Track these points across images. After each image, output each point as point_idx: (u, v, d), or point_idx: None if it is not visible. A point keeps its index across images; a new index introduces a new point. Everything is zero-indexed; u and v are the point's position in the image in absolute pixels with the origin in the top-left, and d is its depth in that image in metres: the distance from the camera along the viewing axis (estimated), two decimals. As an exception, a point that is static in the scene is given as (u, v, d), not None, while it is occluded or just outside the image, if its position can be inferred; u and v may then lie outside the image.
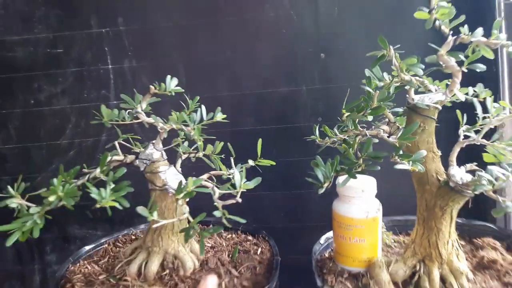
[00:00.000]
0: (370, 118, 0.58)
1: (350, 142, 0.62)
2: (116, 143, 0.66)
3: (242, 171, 0.61)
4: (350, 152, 0.59)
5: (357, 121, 0.61)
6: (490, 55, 0.55)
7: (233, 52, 0.98)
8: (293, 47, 0.97)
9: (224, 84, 0.99)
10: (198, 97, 0.70)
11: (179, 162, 0.72)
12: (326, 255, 0.76)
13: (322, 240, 0.79)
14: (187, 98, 0.70)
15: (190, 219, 0.60)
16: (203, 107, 0.65)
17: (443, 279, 0.63)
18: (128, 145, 0.70)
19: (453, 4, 0.53)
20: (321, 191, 0.55)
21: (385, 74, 0.63)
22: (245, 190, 0.60)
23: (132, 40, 0.98)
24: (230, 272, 0.70)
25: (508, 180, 0.52)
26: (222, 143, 0.72)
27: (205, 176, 0.66)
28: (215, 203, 0.59)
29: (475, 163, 0.62)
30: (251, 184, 0.59)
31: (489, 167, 0.55)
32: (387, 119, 0.64)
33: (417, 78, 0.61)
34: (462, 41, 0.55)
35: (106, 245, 0.83)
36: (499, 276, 0.66)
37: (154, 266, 0.69)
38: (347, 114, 0.59)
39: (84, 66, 0.99)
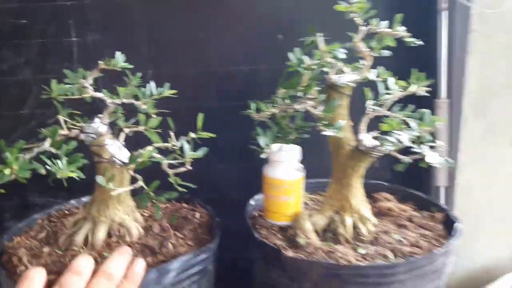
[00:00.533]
0: (300, 94, 0.69)
1: (281, 116, 0.72)
2: (60, 117, 0.68)
3: (188, 141, 0.68)
4: (283, 123, 0.69)
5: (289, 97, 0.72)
6: (392, 43, 0.69)
7: (201, 31, 1.02)
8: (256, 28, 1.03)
9: (189, 62, 1.03)
10: (140, 74, 0.74)
11: (122, 135, 0.75)
12: (256, 214, 0.87)
13: (252, 201, 0.89)
14: (129, 75, 0.74)
15: (145, 187, 0.65)
16: (152, 82, 0.69)
17: (354, 225, 0.78)
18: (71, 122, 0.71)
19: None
20: (264, 155, 0.65)
21: (306, 58, 0.73)
22: (192, 160, 0.67)
23: (97, 14, 0.98)
24: (174, 234, 0.76)
25: (402, 142, 0.67)
26: (160, 118, 0.75)
27: (150, 147, 0.71)
28: (167, 172, 0.65)
29: (379, 131, 0.76)
30: (200, 154, 0.66)
31: (391, 132, 0.69)
32: (312, 96, 0.75)
33: (332, 60, 0.72)
34: (372, 30, 0.68)
35: (41, 221, 0.84)
36: (395, 220, 0.83)
37: (101, 235, 0.72)
38: (283, 90, 0.69)
39: (48, 38, 0.97)
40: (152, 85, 0.70)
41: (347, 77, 0.73)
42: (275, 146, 0.72)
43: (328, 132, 0.66)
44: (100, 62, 0.66)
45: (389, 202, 0.90)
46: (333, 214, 0.79)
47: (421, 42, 0.74)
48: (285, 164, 0.78)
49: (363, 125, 0.76)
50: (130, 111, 0.75)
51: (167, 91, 0.69)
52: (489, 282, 1.08)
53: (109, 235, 0.74)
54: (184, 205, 0.91)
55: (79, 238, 0.72)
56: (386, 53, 0.70)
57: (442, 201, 1.09)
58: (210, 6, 1.02)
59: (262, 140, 0.65)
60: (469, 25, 0.98)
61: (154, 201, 0.64)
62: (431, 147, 0.69)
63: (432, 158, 0.67)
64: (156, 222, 0.80)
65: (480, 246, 1.10)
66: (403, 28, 0.69)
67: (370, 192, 0.93)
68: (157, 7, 1.00)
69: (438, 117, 0.73)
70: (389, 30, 0.68)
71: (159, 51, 1.02)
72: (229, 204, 0.91)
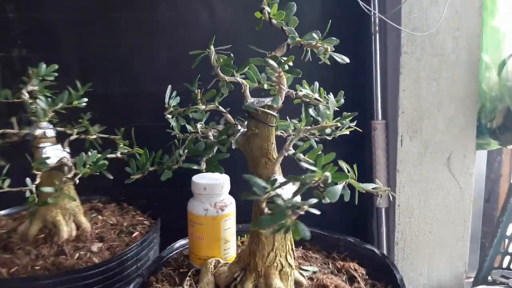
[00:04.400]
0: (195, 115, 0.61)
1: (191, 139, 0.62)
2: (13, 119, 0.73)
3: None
4: (173, 149, 0.62)
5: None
6: (324, 58, 0.64)
7: (129, 49, 1.00)
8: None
9: (118, 81, 1.01)
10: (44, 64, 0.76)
11: (67, 141, 0.78)
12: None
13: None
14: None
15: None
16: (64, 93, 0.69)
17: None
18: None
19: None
20: (130, 181, 0.60)
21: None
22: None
23: (23, 29, 0.95)
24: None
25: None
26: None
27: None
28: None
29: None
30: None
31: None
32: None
33: (238, 79, 0.61)
34: (295, 44, 0.64)
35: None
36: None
37: (33, 230, 0.78)
38: (169, 110, 0.62)
39: None
40: (64, 95, 0.69)
41: (264, 101, 0.58)
42: (197, 176, 0.66)
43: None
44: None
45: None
46: (239, 270, 0.61)
47: (347, 60, 0.72)
48: (200, 196, 0.67)
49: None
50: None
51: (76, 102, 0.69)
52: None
53: (42, 231, 0.79)
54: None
55: (20, 229, 0.79)
56: (297, 72, 0.58)
57: (383, 222, 1.09)
58: (139, 25, 1.01)
59: (133, 165, 0.59)
60: (400, 48, 1.01)
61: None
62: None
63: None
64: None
65: (421, 266, 1.08)
66: (334, 42, 0.66)
67: (330, 249, 0.78)
68: (85, 26, 0.98)
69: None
70: (312, 42, 0.66)
71: (89, 70, 1.00)
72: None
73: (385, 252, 1.09)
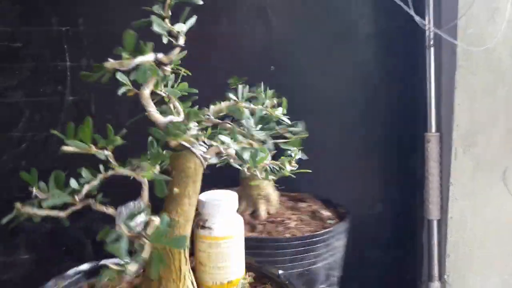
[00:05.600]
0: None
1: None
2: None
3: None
4: None
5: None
6: None
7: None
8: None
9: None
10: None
11: None
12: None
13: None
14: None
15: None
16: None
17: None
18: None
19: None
20: None
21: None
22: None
23: (91, 40, 0.99)
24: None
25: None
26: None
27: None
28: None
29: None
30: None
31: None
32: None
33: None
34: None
35: None
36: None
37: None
38: None
39: (42, 62, 0.97)
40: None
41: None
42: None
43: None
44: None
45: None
46: None
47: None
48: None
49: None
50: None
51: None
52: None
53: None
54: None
55: None
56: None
57: (434, 234, 1.09)
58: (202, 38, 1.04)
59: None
60: (455, 62, 1.02)
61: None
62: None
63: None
64: None
65: (472, 280, 1.08)
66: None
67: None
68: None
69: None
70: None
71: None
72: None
73: (436, 264, 1.09)
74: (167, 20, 0.51)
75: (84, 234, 0.98)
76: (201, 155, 0.51)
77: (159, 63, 0.49)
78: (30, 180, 0.45)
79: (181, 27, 0.51)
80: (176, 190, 0.50)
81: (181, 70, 0.57)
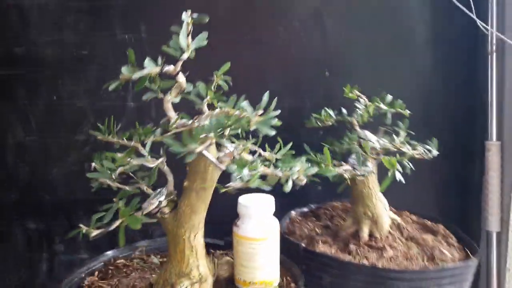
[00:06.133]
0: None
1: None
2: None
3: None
4: None
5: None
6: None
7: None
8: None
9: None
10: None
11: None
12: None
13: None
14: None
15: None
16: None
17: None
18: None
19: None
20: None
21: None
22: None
23: (153, 46, 1.02)
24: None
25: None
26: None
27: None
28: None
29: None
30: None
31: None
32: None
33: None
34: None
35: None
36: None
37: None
38: None
39: (106, 68, 1.01)
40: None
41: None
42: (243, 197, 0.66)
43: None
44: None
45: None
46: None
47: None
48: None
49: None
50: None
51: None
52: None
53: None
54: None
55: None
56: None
57: (493, 246, 1.05)
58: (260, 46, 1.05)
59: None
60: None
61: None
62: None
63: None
64: None
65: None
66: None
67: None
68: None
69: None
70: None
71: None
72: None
73: (495, 278, 1.05)
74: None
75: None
76: (211, 158, 0.55)
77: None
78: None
79: (184, 43, 0.58)
80: (185, 184, 0.58)
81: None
